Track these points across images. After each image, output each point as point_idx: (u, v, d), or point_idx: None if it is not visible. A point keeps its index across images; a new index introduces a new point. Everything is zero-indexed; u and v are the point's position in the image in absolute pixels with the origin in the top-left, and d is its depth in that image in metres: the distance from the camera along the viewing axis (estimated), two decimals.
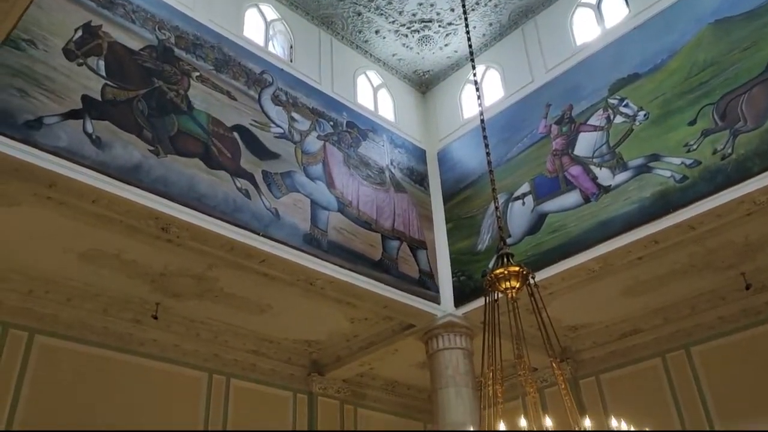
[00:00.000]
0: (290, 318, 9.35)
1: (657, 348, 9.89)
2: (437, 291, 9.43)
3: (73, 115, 6.47)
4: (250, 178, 7.84)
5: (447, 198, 10.24)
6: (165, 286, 8.33)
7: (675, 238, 7.74)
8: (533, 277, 5.14)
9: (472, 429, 4.07)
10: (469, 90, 10.95)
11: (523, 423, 3.75)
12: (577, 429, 3.97)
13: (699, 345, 9.52)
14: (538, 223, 8.79)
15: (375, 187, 9.51)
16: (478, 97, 7.03)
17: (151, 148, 6.99)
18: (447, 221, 10.05)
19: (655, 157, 7.88)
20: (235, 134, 8.01)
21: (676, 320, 9.68)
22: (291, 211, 8.09)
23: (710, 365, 9.33)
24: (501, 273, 5.01)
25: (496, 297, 5.09)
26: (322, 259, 8.13)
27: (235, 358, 9.78)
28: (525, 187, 9.13)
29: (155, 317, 8.55)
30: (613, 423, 3.87)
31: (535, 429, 4.09)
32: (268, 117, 8.54)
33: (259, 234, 7.57)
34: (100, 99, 6.77)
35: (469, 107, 10.82)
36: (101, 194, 6.48)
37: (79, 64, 6.75)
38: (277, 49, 9.71)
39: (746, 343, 9.09)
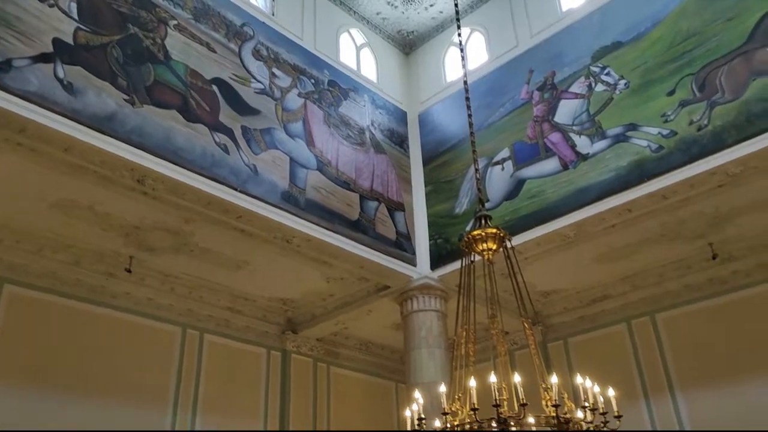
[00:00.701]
0: (266, 276, 9.33)
1: (624, 314, 10.13)
2: (414, 253, 9.48)
3: (43, 58, 6.24)
4: (229, 133, 7.71)
5: (426, 161, 10.21)
6: (139, 240, 8.22)
7: (648, 207, 7.85)
8: (510, 240, 5.18)
9: (443, 387, 4.12)
10: (453, 53, 10.83)
11: (493, 379, 3.81)
12: (543, 386, 4.05)
13: (664, 312, 9.77)
14: (516, 188, 8.82)
15: (355, 147, 9.43)
16: (462, 59, 6.95)
17: (126, 97, 6.81)
18: (426, 184, 10.05)
19: (633, 127, 7.92)
20: (214, 87, 7.84)
21: (644, 287, 9.90)
22: (270, 168, 8.00)
23: (674, 332, 9.60)
24: (478, 234, 5.04)
25: (472, 259, 5.12)
26: (299, 217, 8.09)
27: (209, 313, 9.77)
28: (505, 153, 9.14)
29: (129, 270, 8.46)
30: (578, 380, 3.96)
31: (504, 385, 4.18)
32: (249, 71, 8.37)
33: (236, 190, 7.48)
34: (72, 43, 6.53)
35: (453, 70, 10.73)
36: (73, 142, 6.32)
37: (51, 6, 6.49)
38: (258, 0, 9.46)
39: (710, 311, 9.35)
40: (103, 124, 6.48)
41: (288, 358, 10.61)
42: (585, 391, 3.92)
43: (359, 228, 8.84)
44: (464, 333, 4.59)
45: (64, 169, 6.73)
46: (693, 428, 8.96)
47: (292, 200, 8.08)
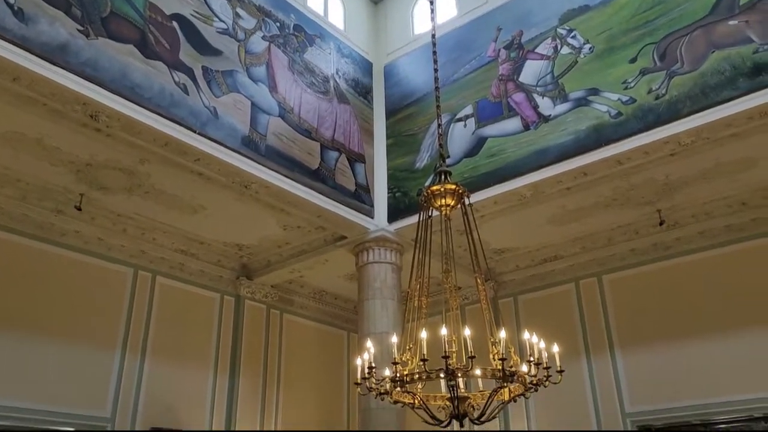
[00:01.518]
0: (222, 220, 9.22)
1: (572, 274, 10.45)
2: (372, 205, 9.48)
3: None
4: (189, 72, 7.45)
5: (390, 113, 10.12)
6: (91, 177, 7.97)
7: (603, 172, 7.99)
8: (468, 197, 5.22)
9: (395, 338, 4.20)
10: (422, 5, 10.64)
11: (443, 331, 3.89)
12: (492, 340, 4.16)
13: (610, 274, 10.12)
14: (477, 146, 8.85)
15: (318, 95, 9.26)
16: (432, 11, 6.83)
17: (81, 27, 6.47)
18: (388, 137, 9.98)
19: (595, 91, 7.99)
20: (175, 24, 7.52)
21: (593, 250, 10.19)
22: (230, 111, 7.79)
23: (618, 293, 9.97)
24: (437, 190, 5.06)
25: (430, 214, 5.15)
26: (258, 163, 7.95)
27: (162, 256, 9.63)
28: (468, 110, 9.12)
29: (78, 208, 8.22)
30: (526, 335, 4.08)
31: (454, 338, 4.28)
32: (211, 10, 8.04)
33: (195, 131, 7.27)
34: None
35: (421, 23, 10.56)
36: (22, 72, 6.00)
37: None
38: None
39: (653, 275, 9.72)
40: (54, 54, 6.16)
41: (241, 304, 10.60)
42: (531, 347, 4.05)
43: (318, 177, 8.77)
44: (418, 286, 4.66)
45: (12, 99, 6.40)
46: (628, 380, 9.43)
47: (252, 146, 7.93)
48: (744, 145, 7.59)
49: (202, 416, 9.54)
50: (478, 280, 4.71)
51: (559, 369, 4.15)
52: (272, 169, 8.10)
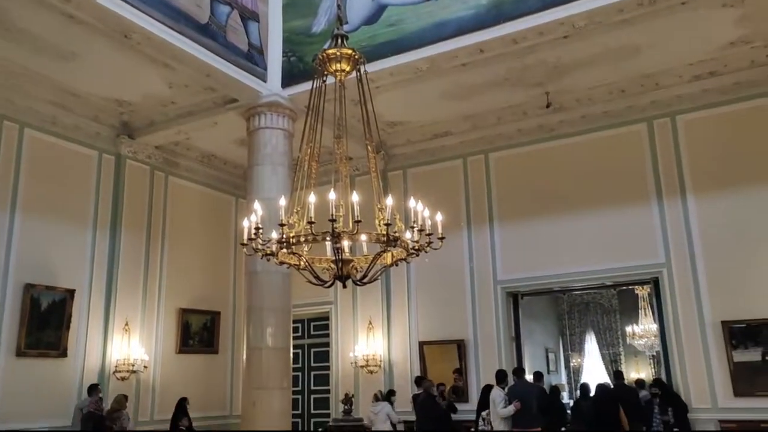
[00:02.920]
0: (99, 72, 8.48)
1: (461, 151, 10.81)
2: (265, 68, 9.04)
3: None
4: None
5: None
6: None
7: (499, 50, 8.03)
8: (364, 64, 5.08)
9: (283, 201, 4.17)
10: None
11: (332, 196, 3.92)
12: (379, 206, 4.25)
13: (497, 152, 10.57)
14: (377, 13, 8.54)
15: None
16: None
17: None
18: None
19: None
20: None
21: (482, 128, 10.51)
22: None
23: (502, 170, 10.49)
24: (333, 54, 4.87)
25: (324, 78, 4.99)
26: (141, 11, 7.20)
27: (31, 106, 8.82)
28: None
29: None
30: (411, 203, 4.19)
31: (341, 203, 4.33)
32: None
33: None
34: None
35: None
36: None
37: None
38: None
39: (536, 155, 10.27)
40: None
41: (122, 164, 10.11)
42: (415, 214, 4.19)
43: (208, 33, 8.17)
44: (309, 150, 4.60)
45: None
46: (502, 251, 10.19)
47: None
48: (632, 32, 7.88)
49: (81, 274, 9.32)
50: (369, 148, 4.71)
51: (440, 236, 4.34)
52: (156, 19, 7.40)
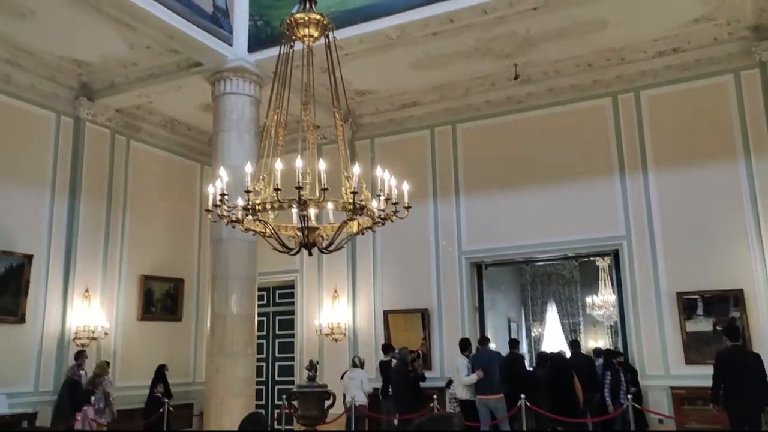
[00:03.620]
0: (56, 30, 8.19)
1: (429, 121, 10.83)
2: (231, 32, 8.84)
3: None
4: None
5: None
6: None
7: (469, 20, 7.99)
8: (333, 30, 5.02)
9: (249, 167, 4.14)
10: None
11: (298, 163, 3.90)
12: (346, 174, 4.26)
13: (464, 123, 10.63)
14: None
15: None
16: None
17: None
18: None
19: None
20: None
21: (451, 99, 10.54)
22: None
23: (469, 142, 10.56)
24: (301, 18, 4.80)
25: (292, 44, 4.92)
26: None
27: None
28: None
29: None
30: (378, 172, 4.20)
31: (308, 171, 4.33)
32: None
33: None
34: None
35: None
36: None
37: None
38: None
39: (503, 127, 10.36)
40: None
41: (81, 126, 9.86)
42: (382, 183, 4.20)
43: None
44: (276, 117, 4.56)
45: None
46: (467, 222, 10.31)
47: None
48: (600, 6, 7.95)
49: (39, 239, 9.14)
50: (337, 116, 4.68)
51: (406, 206, 4.37)
52: None
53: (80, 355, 9.02)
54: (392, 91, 10.54)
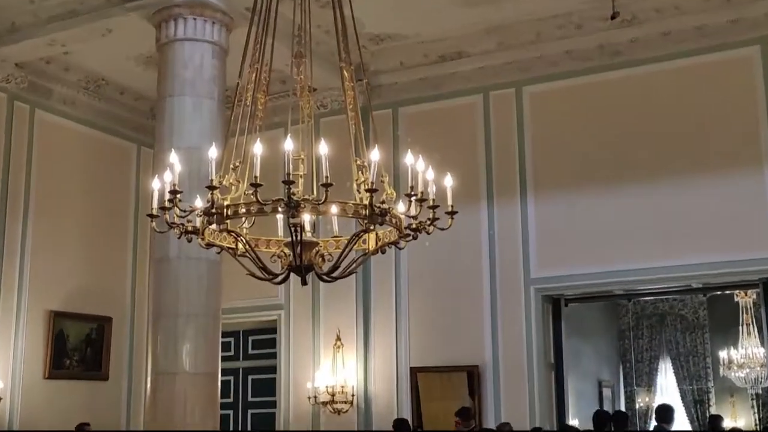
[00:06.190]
0: None
1: (481, 82, 10.91)
2: None
3: None
4: None
5: None
6: None
7: None
8: None
9: (215, 151, 4.14)
10: None
11: (288, 146, 3.88)
12: (359, 162, 4.24)
13: (534, 85, 10.68)
14: None
15: None
16: None
17: None
18: None
19: None
20: None
21: (513, 48, 10.58)
22: None
23: (542, 114, 10.56)
24: None
25: None
26: None
27: None
28: None
29: None
30: (408, 160, 4.16)
31: (303, 157, 4.31)
32: None
33: None
34: None
35: None
36: None
37: None
38: None
39: (591, 91, 10.42)
40: None
41: None
42: (414, 177, 4.16)
43: None
44: (253, 75, 4.57)
45: None
46: (538, 235, 10.27)
47: None
48: None
49: None
50: (345, 74, 4.67)
51: (450, 210, 4.34)
52: None
53: None
54: (425, 36, 10.58)
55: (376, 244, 4.44)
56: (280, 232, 4.49)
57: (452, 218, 4.36)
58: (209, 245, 4.42)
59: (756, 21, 9.58)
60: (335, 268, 4.32)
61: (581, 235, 10.07)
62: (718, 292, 12.86)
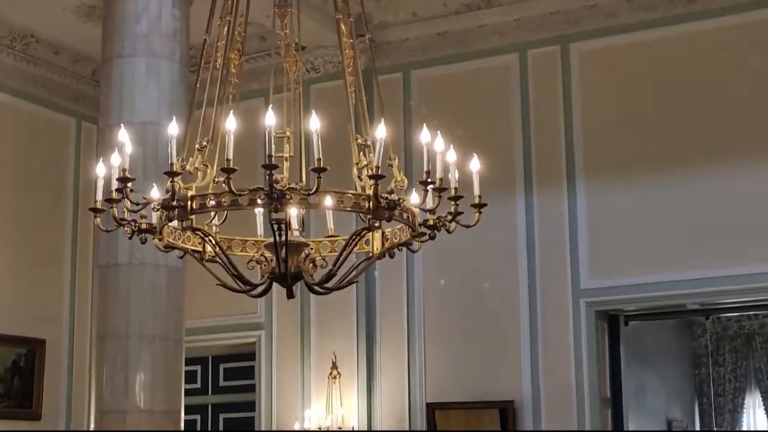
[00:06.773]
0: None
1: (516, 37, 11.00)
2: None
3: None
4: None
5: None
6: None
7: None
8: None
9: (176, 127, 4.15)
10: None
11: (270, 120, 3.89)
12: (360, 140, 4.24)
13: (584, 41, 10.76)
14: None
15: None
16: None
17: None
18: None
19: None
20: None
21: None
22: None
23: (594, 78, 10.58)
24: None
25: None
26: None
27: None
28: None
29: None
30: (424, 137, 4.16)
31: (289, 134, 4.32)
32: None
33: None
34: None
35: None
36: None
37: None
38: None
39: (659, 49, 10.33)
40: None
41: None
42: (431, 159, 4.16)
43: None
44: (226, 29, 4.57)
45: None
46: (590, 235, 10.29)
47: None
48: None
49: None
50: (343, 27, 4.68)
51: (477, 202, 4.33)
52: None
53: None
54: None
55: (383, 245, 4.45)
56: (260, 230, 4.50)
57: (480, 212, 4.36)
58: (169, 247, 4.43)
59: None
60: (330, 276, 4.33)
61: (645, 234, 10.09)
62: None
